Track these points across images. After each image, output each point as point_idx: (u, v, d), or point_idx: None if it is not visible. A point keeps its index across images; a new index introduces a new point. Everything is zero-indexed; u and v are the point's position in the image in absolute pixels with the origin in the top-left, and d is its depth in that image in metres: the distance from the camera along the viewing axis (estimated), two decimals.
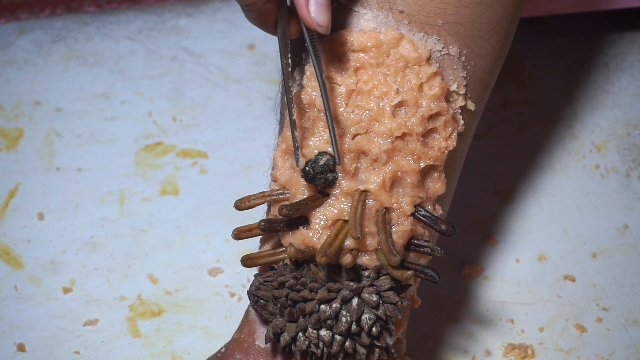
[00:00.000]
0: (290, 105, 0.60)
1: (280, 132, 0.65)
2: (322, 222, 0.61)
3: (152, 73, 0.97)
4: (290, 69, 0.59)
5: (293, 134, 0.60)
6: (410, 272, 0.59)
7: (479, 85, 0.64)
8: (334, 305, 0.60)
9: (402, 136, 0.61)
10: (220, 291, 0.82)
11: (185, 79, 0.96)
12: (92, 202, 0.87)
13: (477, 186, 0.88)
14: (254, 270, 0.72)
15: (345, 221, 0.60)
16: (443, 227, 0.61)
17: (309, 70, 0.62)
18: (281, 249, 0.63)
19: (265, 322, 0.66)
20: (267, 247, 0.66)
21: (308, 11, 0.57)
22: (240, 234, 0.64)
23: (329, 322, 0.60)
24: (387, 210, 0.61)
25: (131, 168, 0.90)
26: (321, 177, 0.60)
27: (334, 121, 0.60)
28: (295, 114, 0.60)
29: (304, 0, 0.57)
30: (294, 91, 0.63)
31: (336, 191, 0.60)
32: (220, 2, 1.03)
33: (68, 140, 0.91)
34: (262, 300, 0.63)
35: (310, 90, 0.61)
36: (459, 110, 0.63)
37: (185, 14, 1.01)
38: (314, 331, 0.61)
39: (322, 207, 0.61)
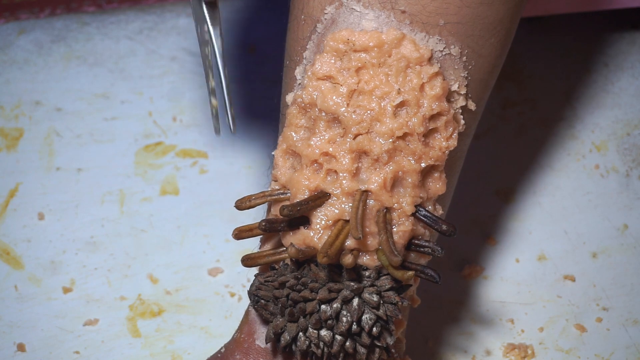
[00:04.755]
0: (207, 72, 0.61)
1: (281, 132, 0.65)
2: (323, 222, 0.60)
3: (152, 73, 0.97)
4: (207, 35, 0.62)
5: (210, 102, 0.61)
6: (411, 273, 0.59)
7: (479, 85, 0.64)
8: (335, 306, 0.60)
9: (404, 136, 0.60)
10: (220, 291, 0.82)
11: (185, 79, 0.96)
12: (92, 202, 0.87)
13: (477, 186, 0.88)
14: (254, 270, 0.72)
15: (346, 221, 0.60)
16: (444, 227, 0.61)
17: (310, 70, 0.61)
18: (282, 249, 0.63)
19: (265, 322, 0.66)
20: (267, 247, 0.66)
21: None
22: (240, 233, 0.64)
23: (329, 322, 0.60)
24: (388, 210, 0.61)
25: (131, 168, 0.89)
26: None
27: (334, 121, 0.60)
28: (212, 83, 0.62)
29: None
30: (296, 91, 0.63)
31: (337, 191, 0.60)
32: (220, 2, 1.02)
33: (68, 140, 0.91)
34: (262, 300, 0.63)
35: (312, 90, 0.61)
36: (460, 110, 0.63)
37: (185, 14, 1.01)
38: (315, 331, 0.61)
39: (323, 207, 0.61)
